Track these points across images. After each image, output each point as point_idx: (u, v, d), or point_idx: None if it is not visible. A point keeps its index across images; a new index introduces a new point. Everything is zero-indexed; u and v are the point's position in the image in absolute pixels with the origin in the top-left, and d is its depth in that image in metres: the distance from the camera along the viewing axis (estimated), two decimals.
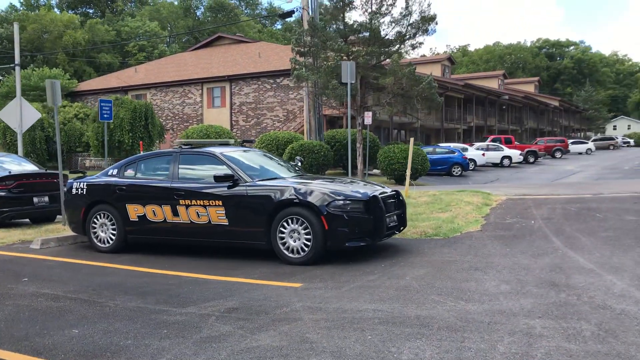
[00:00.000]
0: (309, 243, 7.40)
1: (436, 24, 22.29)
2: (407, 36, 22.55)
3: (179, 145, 8.79)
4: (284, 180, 8.16)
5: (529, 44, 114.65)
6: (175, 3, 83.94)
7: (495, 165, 35.78)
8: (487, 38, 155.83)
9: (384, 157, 22.48)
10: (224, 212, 7.90)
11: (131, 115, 29.81)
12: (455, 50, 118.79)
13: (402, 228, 8.27)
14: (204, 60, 41.26)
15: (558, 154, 47.70)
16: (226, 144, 9.26)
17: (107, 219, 8.93)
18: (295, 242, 7.50)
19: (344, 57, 22.29)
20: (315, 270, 7.11)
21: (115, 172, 9.06)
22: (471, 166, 31.45)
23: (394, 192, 8.18)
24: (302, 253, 7.46)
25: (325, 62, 22.42)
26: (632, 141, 79.15)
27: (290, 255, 7.53)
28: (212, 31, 63.30)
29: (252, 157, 8.87)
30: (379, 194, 7.71)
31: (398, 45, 22.78)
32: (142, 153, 9.01)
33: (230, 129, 35.35)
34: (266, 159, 9.10)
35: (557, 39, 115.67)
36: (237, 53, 40.33)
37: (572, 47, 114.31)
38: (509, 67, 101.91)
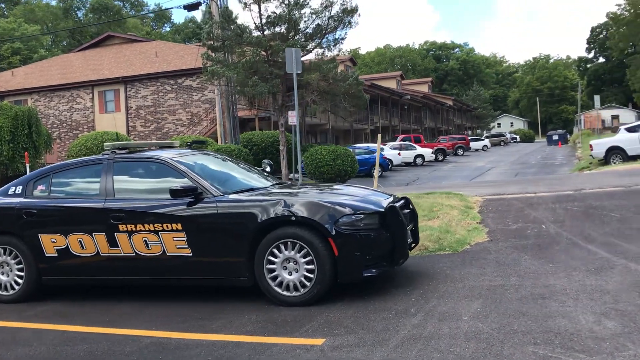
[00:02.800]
0: (311, 276, 5.45)
1: (359, 15, 20.92)
2: (328, 29, 21.00)
3: (110, 150, 6.48)
4: (266, 190, 6.15)
5: (417, 47, 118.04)
6: (53, 3, 77.46)
7: (408, 164, 35.23)
8: (377, 41, 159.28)
9: (311, 159, 20.77)
10: (184, 238, 5.76)
11: (12, 123, 25.81)
12: (346, 54, 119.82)
13: (413, 245, 6.52)
14: (93, 61, 37.42)
15: (460, 151, 48.45)
16: (170, 147, 7.06)
17: (9, 255, 6.45)
18: (291, 275, 5.52)
19: (262, 52, 20.32)
20: (328, 314, 5.18)
21: (18, 190, 6.58)
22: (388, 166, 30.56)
23: (404, 201, 6.42)
24: (301, 290, 5.49)
25: (242, 58, 20.32)
26: (517, 137, 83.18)
27: (285, 293, 5.54)
28: (96, 33, 58.66)
29: (215, 163, 6.77)
30: (396, 204, 5.93)
31: (319, 40, 21.17)
32: (56, 163, 6.58)
33: (127, 135, 32.08)
34: (232, 165, 7.00)
35: (444, 41, 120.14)
36: (131, 53, 36.93)
37: (457, 50, 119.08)
38: (400, 69, 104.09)
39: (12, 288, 6.45)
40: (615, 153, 22.28)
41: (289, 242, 5.50)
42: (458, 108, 76.32)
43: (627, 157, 21.82)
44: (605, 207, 8.76)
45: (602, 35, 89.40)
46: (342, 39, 21.12)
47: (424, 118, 60.49)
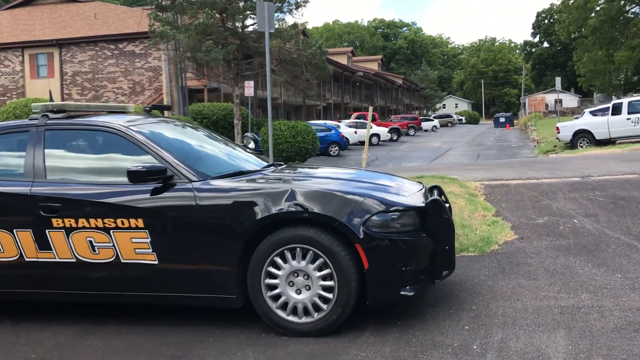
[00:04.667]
0: (329, 295, 3.91)
1: None
2: None
3: (41, 113, 4.67)
4: (262, 175, 4.53)
5: (365, 24, 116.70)
6: None
7: (363, 143, 33.94)
8: (325, 16, 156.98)
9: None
10: (147, 239, 4.10)
11: None
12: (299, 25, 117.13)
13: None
14: (23, 21, 34.05)
15: (412, 131, 47.66)
16: (123, 113, 5.27)
17: None
18: (300, 294, 3.97)
19: (217, 15, 18.37)
20: (357, 352, 3.67)
21: None
22: None
23: (437, 191, 4.94)
24: (315, 315, 3.94)
25: (194, 20, 18.29)
26: (463, 118, 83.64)
27: (292, 318, 3.97)
28: None
29: (187, 136, 5.06)
30: (439, 196, 4.43)
31: (279, 4, 19.35)
32: None
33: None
34: (208, 138, 5.26)
35: (392, 19, 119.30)
36: (66, 14, 33.75)
37: (405, 29, 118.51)
38: (349, 46, 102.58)
39: None
40: (582, 137, 21.62)
41: (298, 249, 3.93)
42: (407, 87, 75.70)
43: (594, 141, 21.21)
44: (634, 198, 7.58)
45: (547, 21, 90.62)
46: (305, 1, 19.36)
47: (375, 96, 59.37)
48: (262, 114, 32.76)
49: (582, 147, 21.41)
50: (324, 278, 3.92)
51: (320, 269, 3.92)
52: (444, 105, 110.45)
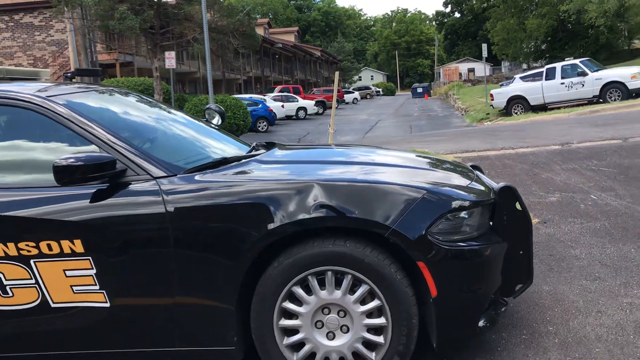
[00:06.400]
0: (378, 340, 2.63)
1: None
2: None
3: None
4: (259, 164, 3.12)
5: None
6: None
7: (289, 117, 32.56)
8: None
9: (195, 112, 17.32)
10: (90, 270, 2.65)
11: None
12: None
13: None
14: None
15: (336, 104, 46.67)
16: (34, 80, 3.68)
17: None
18: (334, 339, 2.66)
19: None
20: None
21: None
22: None
23: (477, 171, 3.74)
24: None
25: None
26: (380, 90, 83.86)
27: None
28: None
29: (139, 110, 3.55)
30: (507, 185, 3.22)
31: None
32: None
33: None
34: (170, 114, 3.74)
35: None
36: None
37: (318, 0, 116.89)
38: (262, 18, 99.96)
39: None
40: (517, 103, 21.32)
41: (329, 273, 2.61)
42: (325, 60, 74.59)
43: (528, 107, 20.94)
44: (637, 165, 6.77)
45: None
46: None
47: (294, 69, 57.83)
48: (181, 89, 30.58)
49: (516, 113, 21.12)
50: (370, 314, 2.64)
51: (364, 301, 2.64)
52: (360, 77, 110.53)
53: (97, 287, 2.66)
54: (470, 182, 3.07)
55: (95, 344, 2.75)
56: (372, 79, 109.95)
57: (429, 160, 3.60)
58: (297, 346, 2.69)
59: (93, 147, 2.76)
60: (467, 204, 2.75)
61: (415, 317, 2.62)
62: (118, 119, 3.12)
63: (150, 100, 3.84)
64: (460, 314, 2.68)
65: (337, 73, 9.98)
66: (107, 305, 2.68)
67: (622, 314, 3.34)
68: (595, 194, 5.85)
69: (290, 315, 2.68)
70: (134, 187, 2.69)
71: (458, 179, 3.10)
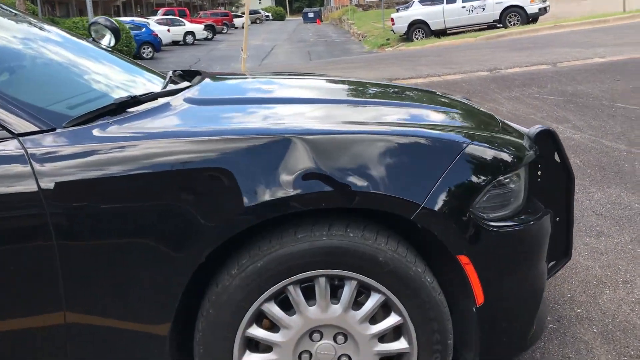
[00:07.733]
0: None
1: None
2: None
3: None
4: (192, 105, 1.97)
5: None
6: None
7: (176, 43, 30.16)
8: None
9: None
10: None
11: None
12: None
13: None
14: None
15: (225, 29, 44.30)
16: None
17: None
18: None
19: None
20: None
21: None
22: None
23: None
24: None
25: None
26: (270, 15, 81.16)
27: None
28: None
29: None
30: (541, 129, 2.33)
31: None
32: None
33: None
34: (42, 30, 2.43)
35: None
36: None
37: None
38: None
39: None
40: (418, 27, 20.76)
41: (320, 280, 1.63)
42: None
43: (429, 32, 20.47)
44: (585, 93, 6.24)
45: None
46: None
47: None
48: (50, 11, 27.24)
49: (417, 38, 20.61)
50: (382, 338, 1.71)
51: (374, 318, 1.69)
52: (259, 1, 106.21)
53: None
54: (499, 126, 2.17)
55: None
56: (260, 2, 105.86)
57: (426, 96, 2.64)
58: None
59: None
60: (515, 161, 1.84)
61: (451, 338, 1.73)
62: None
63: (12, 10, 2.52)
64: (510, 324, 1.82)
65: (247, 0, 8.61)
66: None
67: None
68: (553, 128, 5.22)
69: (258, 346, 1.69)
70: None
71: (485, 123, 2.19)
